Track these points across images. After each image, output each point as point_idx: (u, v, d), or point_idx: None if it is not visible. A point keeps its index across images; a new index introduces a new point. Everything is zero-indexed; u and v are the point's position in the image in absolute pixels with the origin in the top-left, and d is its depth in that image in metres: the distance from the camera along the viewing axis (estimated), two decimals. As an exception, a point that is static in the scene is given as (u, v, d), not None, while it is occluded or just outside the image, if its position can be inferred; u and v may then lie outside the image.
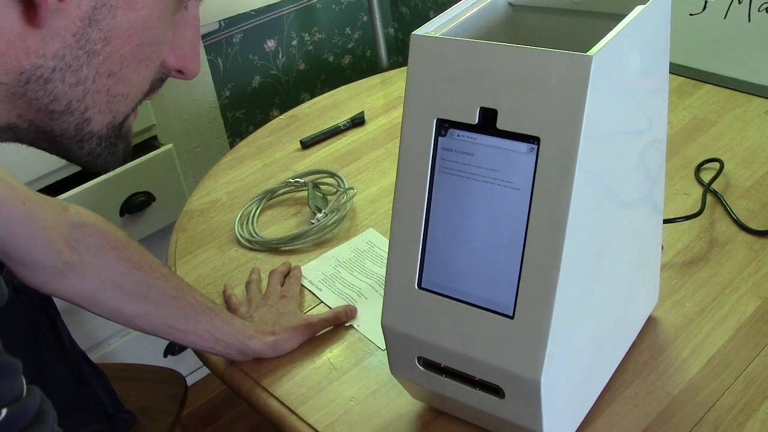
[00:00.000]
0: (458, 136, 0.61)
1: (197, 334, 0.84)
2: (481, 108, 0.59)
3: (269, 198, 1.16)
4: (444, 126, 0.62)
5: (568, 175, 0.56)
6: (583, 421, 0.73)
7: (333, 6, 1.98)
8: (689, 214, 0.98)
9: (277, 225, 1.11)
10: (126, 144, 0.54)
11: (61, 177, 1.42)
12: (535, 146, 0.58)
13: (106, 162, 0.52)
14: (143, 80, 0.49)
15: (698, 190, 1.05)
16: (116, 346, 1.70)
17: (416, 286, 0.65)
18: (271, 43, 1.88)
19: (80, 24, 0.43)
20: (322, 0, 1.94)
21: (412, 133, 0.63)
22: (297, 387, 0.83)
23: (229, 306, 0.95)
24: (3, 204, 0.72)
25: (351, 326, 0.91)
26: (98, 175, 1.44)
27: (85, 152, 0.50)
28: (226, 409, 1.82)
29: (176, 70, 0.53)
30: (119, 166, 0.54)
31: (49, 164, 1.39)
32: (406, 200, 0.64)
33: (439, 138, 0.62)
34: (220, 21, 1.74)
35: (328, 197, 1.13)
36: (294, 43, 1.93)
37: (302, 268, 1.01)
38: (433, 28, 0.64)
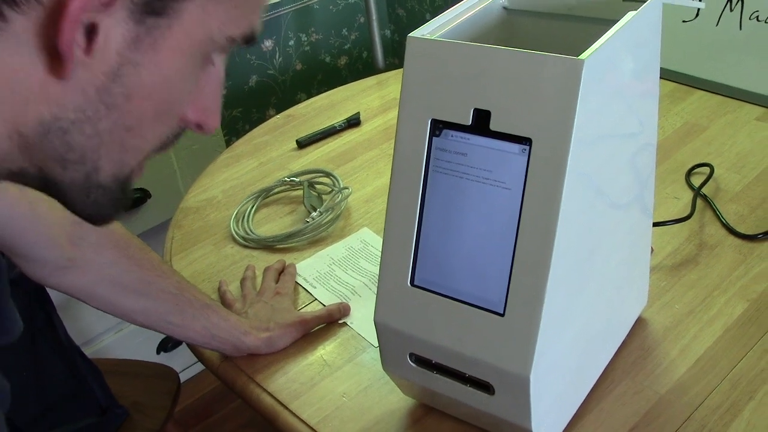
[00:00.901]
0: (452, 136, 0.62)
1: (194, 330, 0.85)
2: (475, 109, 0.60)
3: (265, 196, 1.17)
4: (438, 126, 0.63)
5: (559, 177, 0.57)
6: (572, 419, 0.74)
7: (330, 7, 1.98)
8: (679, 217, 0.99)
9: (272, 223, 1.12)
10: (127, 199, 0.53)
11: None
12: (527, 147, 0.59)
13: (106, 213, 0.51)
14: (157, 137, 0.49)
15: (688, 194, 1.06)
16: (110, 341, 1.70)
17: (409, 283, 0.66)
18: (268, 43, 1.89)
19: (104, 79, 0.42)
20: (319, 1, 1.95)
21: (407, 133, 0.64)
22: (290, 382, 0.84)
23: (224, 302, 0.95)
24: (11, 202, 0.74)
25: (344, 323, 0.92)
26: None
27: (90, 201, 0.49)
28: (219, 406, 1.82)
29: (195, 124, 0.51)
30: (117, 218, 0.54)
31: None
32: (400, 198, 0.65)
33: (434, 138, 0.63)
34: (218, 20, 1.74)
35: (323, 196, 1.14)
36: (291, 43, 1.94)
37: (297, 265, 1.01)
38: (429, 30, 0.65)
